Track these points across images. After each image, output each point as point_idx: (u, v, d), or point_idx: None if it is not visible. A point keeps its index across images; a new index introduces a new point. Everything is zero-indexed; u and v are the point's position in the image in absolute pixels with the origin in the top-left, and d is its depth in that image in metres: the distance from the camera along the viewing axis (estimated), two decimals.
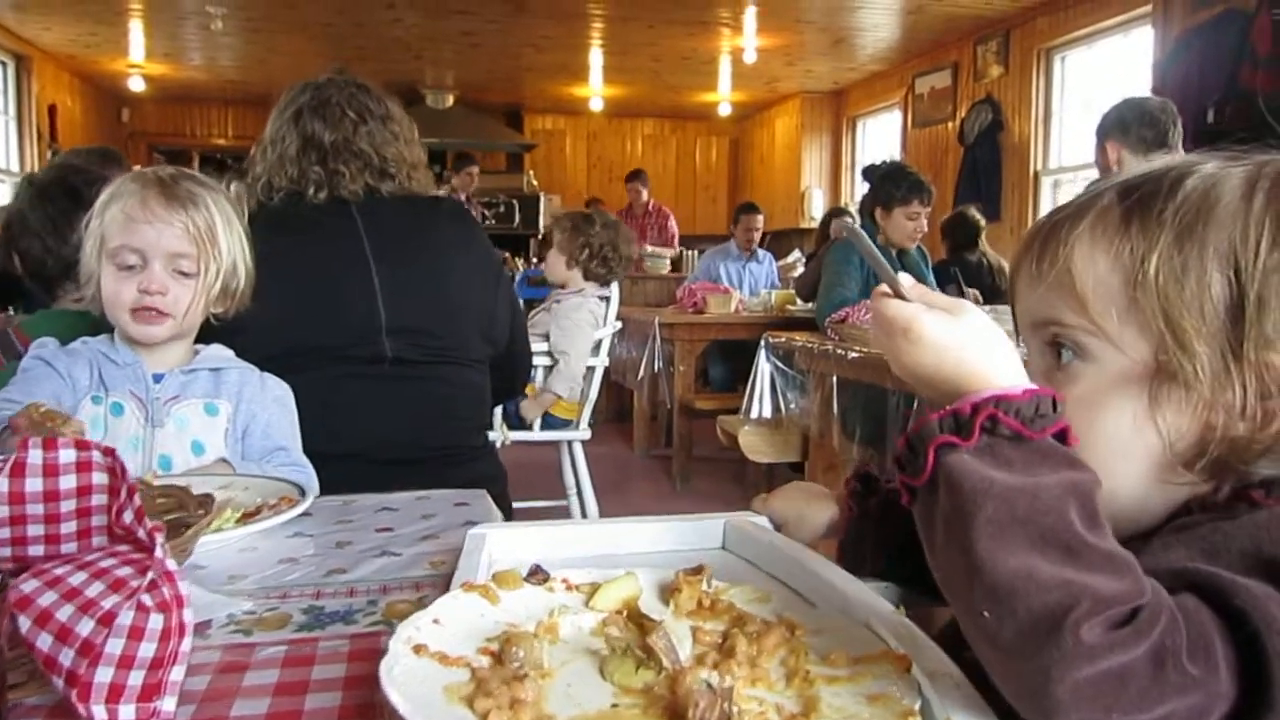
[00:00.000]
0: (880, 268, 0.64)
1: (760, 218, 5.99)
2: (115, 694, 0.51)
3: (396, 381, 1.65)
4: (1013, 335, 0.66)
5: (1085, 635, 0.47)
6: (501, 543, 0.85)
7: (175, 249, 1.23)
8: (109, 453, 0.58)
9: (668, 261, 6.96)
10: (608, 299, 2.98)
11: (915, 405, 2.70)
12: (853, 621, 0.67)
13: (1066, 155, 6.08)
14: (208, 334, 1.34)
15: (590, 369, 2.93)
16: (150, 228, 1.22)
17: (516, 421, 2.88)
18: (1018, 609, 0.49)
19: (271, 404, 1.31)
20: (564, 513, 3.12)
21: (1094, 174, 4.02)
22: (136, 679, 0.52)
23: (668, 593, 0.71)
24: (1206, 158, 0.65)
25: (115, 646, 0.52)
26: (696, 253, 7.67)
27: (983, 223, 4.81)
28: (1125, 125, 2.80)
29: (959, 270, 4.09)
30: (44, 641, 0.52)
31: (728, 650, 0.62)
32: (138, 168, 1.64)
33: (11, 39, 6.93)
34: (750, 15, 6.39)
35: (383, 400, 1.64)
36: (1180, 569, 0.54)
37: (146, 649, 0.53)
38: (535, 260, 7.03)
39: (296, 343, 1.57)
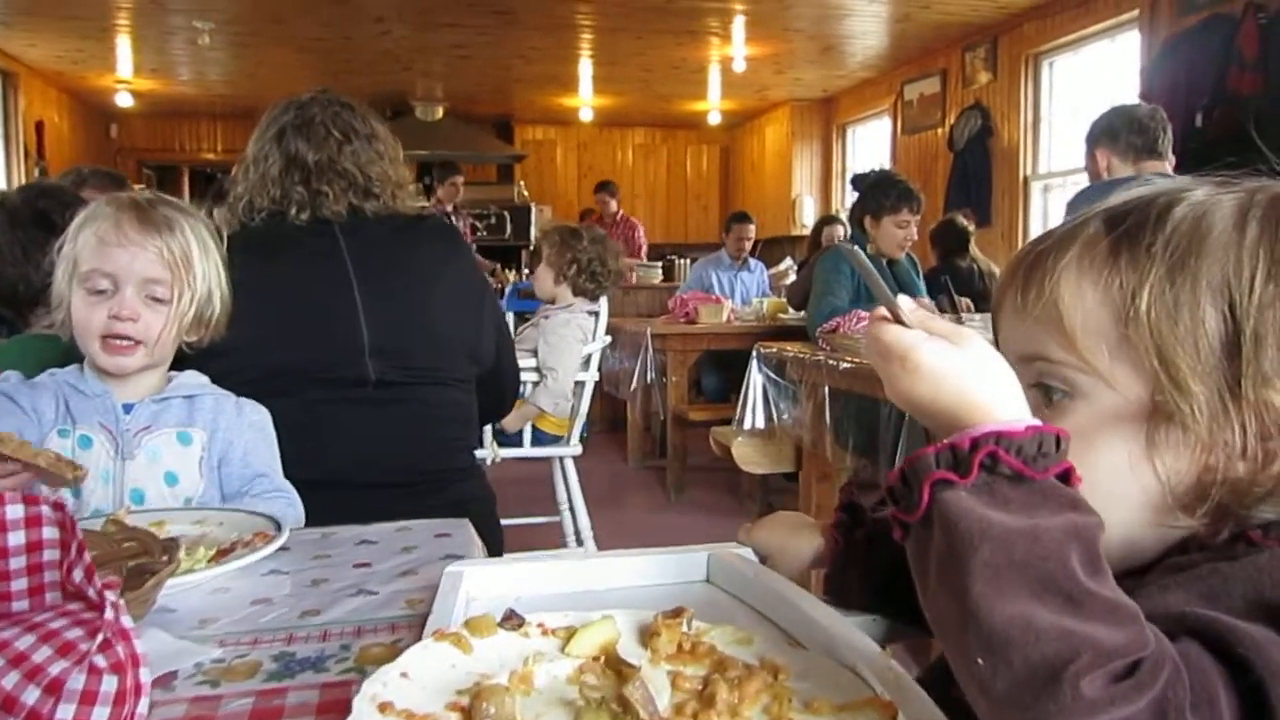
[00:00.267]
0: (879, 290, 0.61)
1: (752, 227, 6.00)
2: None
3: (380, 404, 1.63)
4: None
5: (1085, 689, 0.45)
6: (479, 580, 0.83)
7: (148, 274, 1.21)
8: (58, 507, 0.56)
9: (659, 271, 6.96)
10: (597, 314, 2.96)
11: (906, 418, 2.69)
12: (838, 665, 0.65)
13: (1056, 160, 6.09)
14: (183, 359, 1.32)
15: (580, 384, 2.91)
16: (124, 251, 1.19)
17: (506, 439, 2.85)
18: (1013, 659, 0.47)
19: (248, 430, 1.28)
20: (557, 529, 3.10)
21: (1084, 179, 4.03)
22: None
23: (647, 636, 0.69)
24: (1195, 183, 0.63)
25: (66, 713, 0.50)
26: (688, 262, 7.67)
27: (971, 229, 4.81)
28: (1115, 133, 2.80)
29: (949, 278, 4.08)
30: None
31: (708, 698, 0.60)
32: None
33: None
34: (739, 24, 6.39)
35: (366, 423, 1.62)
36: (1179, 614, 0.52)
37: (100, 714, 0.51)
38: (527, 272, 7.01)
39: (277, 365, 1.55)
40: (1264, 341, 0.56)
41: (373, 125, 1.76)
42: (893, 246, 3.60)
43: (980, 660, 0.48)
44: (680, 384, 4.55)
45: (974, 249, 4.73)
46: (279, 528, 1.00)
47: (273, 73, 7.43)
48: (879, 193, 3.56)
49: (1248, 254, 0.57)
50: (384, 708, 0.55)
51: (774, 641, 0.71)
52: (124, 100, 8.20)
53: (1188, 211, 0.59)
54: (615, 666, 0.64)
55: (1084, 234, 0.63)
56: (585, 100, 8.80)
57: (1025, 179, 6.20)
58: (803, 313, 4.36)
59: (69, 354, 1.27)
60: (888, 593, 0.81)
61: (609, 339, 3.07)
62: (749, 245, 5.98)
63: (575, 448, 2.96)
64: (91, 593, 0.53)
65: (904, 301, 0.60)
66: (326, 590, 0.90)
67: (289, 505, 1.26)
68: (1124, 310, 0.59)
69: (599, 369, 2.99)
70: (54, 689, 0.49)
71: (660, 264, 7.47)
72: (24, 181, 6.77)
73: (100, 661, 0.51)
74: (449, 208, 6.61)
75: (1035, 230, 6.16)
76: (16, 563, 0.56)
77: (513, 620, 0.69)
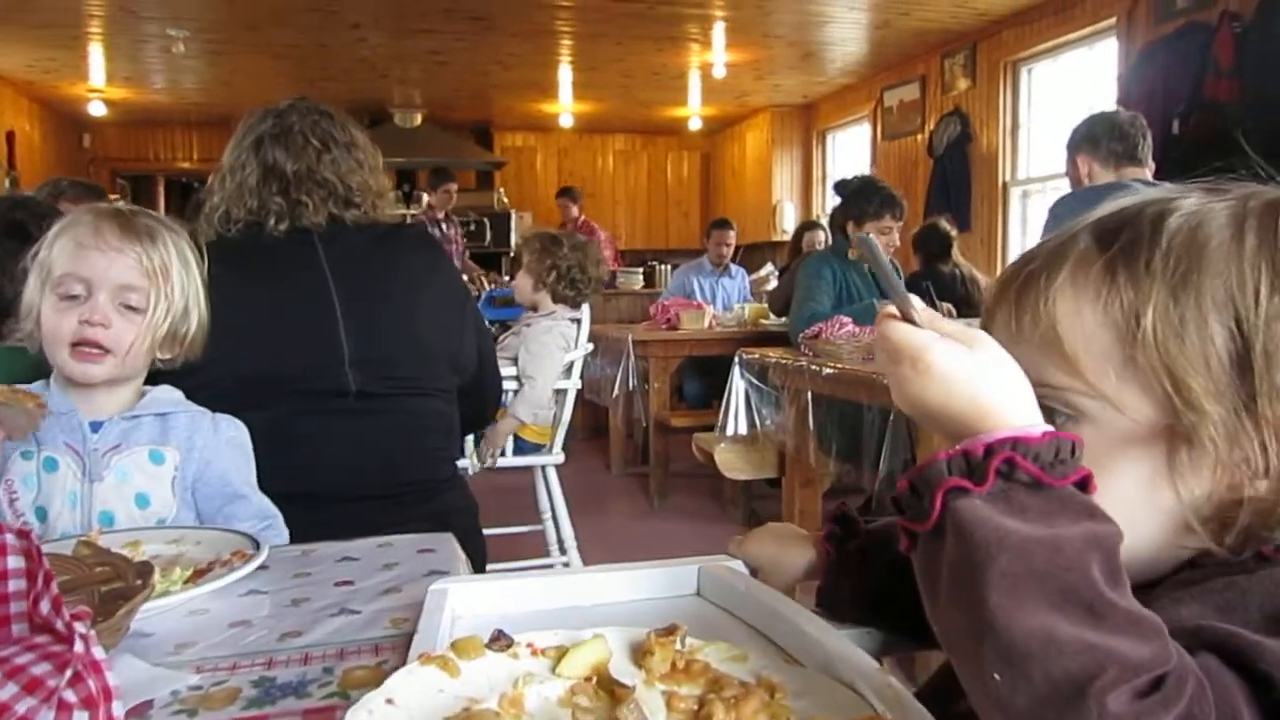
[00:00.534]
0: (892, 286, 0.58)
1: (732, 233, 6.00)
2: None
3: (360, 415, 1.61)
4: None
5: (1111, 705, 0.43)
6: (464, 598, 0.81)
7: (124, 280, 1.17)
8: (24, 535, 0.54)
9: (640, 277, 6.95)
10: (579, 321, 2.94)
11: (891, 418, 2.68)
12: (836, 682, 0.64)
13: (1035, 166, 6.13)
14: (157, 372, 1.28)
15: (562, 392, 2.89)
16: (101, 255, 1.15)
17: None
18: (1034, 674, 0.45)
19: (226, 448, 1.24)
20: (539, 538, 3.07)
21: (1063, 185, 4.05)
22: None
23: (639, 654, 0.67)
24: (1184, 191, 0.61)
25: None
26: (669, 268, 7.65)
27: (954, 234, 4.82)
28: (1095, 139, 2.82)
29: (931, 283, 4.09)
30: None
31: (704, 718, 0.59)
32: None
33: None
34: (719, 30, 6.39)
35: (346, 435, 1.59)
36: (1195, 627, 0.50)
37: None
38: (507, 279, 6.97)
39: (255, 376, 1.52)
40: (1273, 357, 0.54)
41: (352, 133, 1.74)
42: None
43: (998, 675, 0.47)
44: (662, 390, 4.54)
45: (956, 254, 4.75)
46: (257, 546, 0.97)
47: (248, 80, 7.36)
48: (862, 199, 3.56)
49: (1249, 266, 0.56)
50: None
51: (769, 658, 0.70)
52: (97, 109, 8.09)
53: (1182, 223, 0.58)
54: (608, 687, 0.63)
55: (1074, 251, 0.61)
56: (565, 106, 8.78)
57: (1004, 185, 6.24)
58: (784, 318, 4.36)
59: (37, 367, 1.23)
60: (881, 605, 0.80)
61: (591, 346, 3.05)
62: (730, 251, 5.98)
63: (558, 456, 2.94)
64: (60, 625, 0.50)
65: (914, 300, 0.58)
66: (308, 610, 0.87)
67: (277, 536, 1.23)
68: (1127, 331, 0.57)
69: (581, 376, 2.97)
70: None
71: (641, 270, 7.44)
72: None
73: (70, 697, 0.49)
74: (441, 215, 6.54)
75: (1014, 235, 6.20)
76: None
77: (501, 641, 0.67)
